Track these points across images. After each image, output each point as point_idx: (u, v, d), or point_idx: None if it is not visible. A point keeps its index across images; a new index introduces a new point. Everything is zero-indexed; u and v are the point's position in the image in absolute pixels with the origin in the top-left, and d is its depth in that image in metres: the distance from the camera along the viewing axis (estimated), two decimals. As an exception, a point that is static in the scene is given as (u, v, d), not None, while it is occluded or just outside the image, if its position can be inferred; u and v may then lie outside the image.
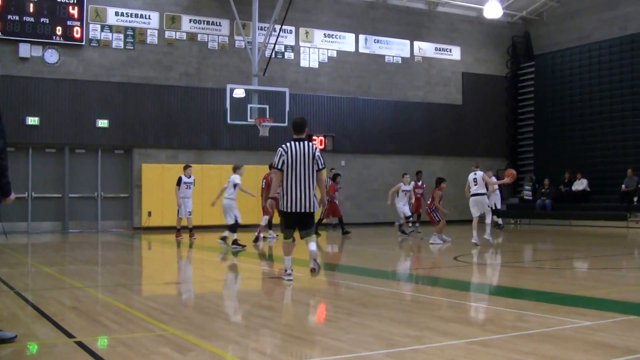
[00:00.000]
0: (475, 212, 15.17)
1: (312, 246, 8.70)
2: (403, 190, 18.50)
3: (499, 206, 20.72)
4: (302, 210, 8.64)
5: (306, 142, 8.77)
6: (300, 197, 8.61)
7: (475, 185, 15.06)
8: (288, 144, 8.72)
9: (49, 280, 9.91)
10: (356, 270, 11.30)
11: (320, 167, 8.81)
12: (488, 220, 15.23)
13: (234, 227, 14.45)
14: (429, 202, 16.51)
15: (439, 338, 5.47)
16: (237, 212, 14.53)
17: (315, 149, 8.85)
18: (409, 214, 18.73)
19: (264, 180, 16.52)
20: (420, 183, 20.69)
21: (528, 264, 12.49)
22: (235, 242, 14.18)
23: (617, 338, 5.43)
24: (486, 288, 9.15)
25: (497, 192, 20.68)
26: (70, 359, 4.96)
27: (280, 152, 8.70)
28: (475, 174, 15.16)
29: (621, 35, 25.88)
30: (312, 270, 8.66)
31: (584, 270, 11.47)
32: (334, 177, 20.13)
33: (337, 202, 19.51)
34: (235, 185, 14.58)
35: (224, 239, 14.98)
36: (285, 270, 8.98)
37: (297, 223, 8.80)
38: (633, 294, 8.10)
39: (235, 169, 14.88)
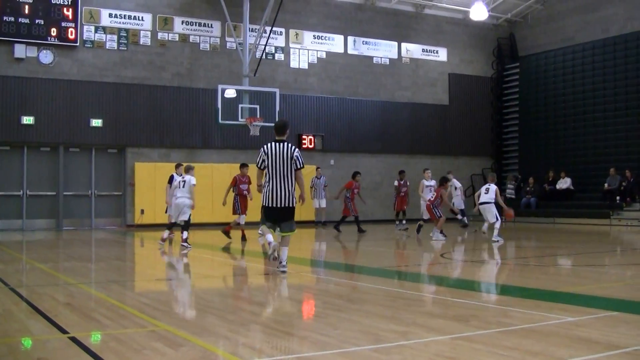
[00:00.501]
0: (488, 217, 15.91)
1: (284, 253, 9.41)
2: (427, 186, 18.32)
3: (462, 207, 21.19)
4: (281, 205, 9.23)
5: (286, 144, 9.31)
6: (279, 193, 9.20)
7: (486, 194, 15.95)
8: (269, 145, 9.31)
9: (43, 276, 9.98)
10: (344, 267, 11.44)
11: (299, 167, 9.31)
12: (497, 224, 15.67)
13: (187, 225, 14.35)
14: (431, 199, 16.80)
15: (424, 334, 5.54)
16: (189, 213, 14.44)
17: (294, 150, 9.34)
18: (426, 217, 17.40)
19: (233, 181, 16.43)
20: (403, 182, 20.98)
21: (512, 260, 12.57)
22: (185, 240, 13.94)
23: (600, 333, 5.47)
24: (471, 284, 9.22)
25: (458, 195, 20.97)
26: (63, 355, 4.97)
27: (260, 153, 9.34)
28: (489, 185, 16.06)
29: (603, 37, 26.15)
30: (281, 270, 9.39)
31: (567, 267, 11.58)
32: (354, 175, 19.94)
33: (348, 200, 19.44)
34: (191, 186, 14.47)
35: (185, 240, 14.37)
36: (270, 244, 9.37)
37: (277, 217, 9.34)
38: (615, 291, 8.17)
39: (188, 170, 14.65)
